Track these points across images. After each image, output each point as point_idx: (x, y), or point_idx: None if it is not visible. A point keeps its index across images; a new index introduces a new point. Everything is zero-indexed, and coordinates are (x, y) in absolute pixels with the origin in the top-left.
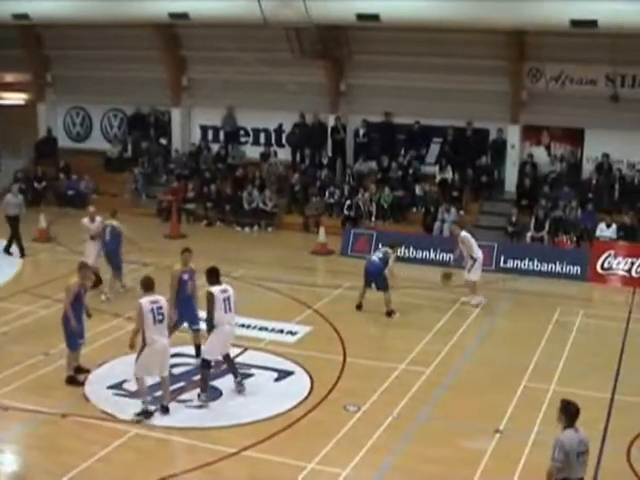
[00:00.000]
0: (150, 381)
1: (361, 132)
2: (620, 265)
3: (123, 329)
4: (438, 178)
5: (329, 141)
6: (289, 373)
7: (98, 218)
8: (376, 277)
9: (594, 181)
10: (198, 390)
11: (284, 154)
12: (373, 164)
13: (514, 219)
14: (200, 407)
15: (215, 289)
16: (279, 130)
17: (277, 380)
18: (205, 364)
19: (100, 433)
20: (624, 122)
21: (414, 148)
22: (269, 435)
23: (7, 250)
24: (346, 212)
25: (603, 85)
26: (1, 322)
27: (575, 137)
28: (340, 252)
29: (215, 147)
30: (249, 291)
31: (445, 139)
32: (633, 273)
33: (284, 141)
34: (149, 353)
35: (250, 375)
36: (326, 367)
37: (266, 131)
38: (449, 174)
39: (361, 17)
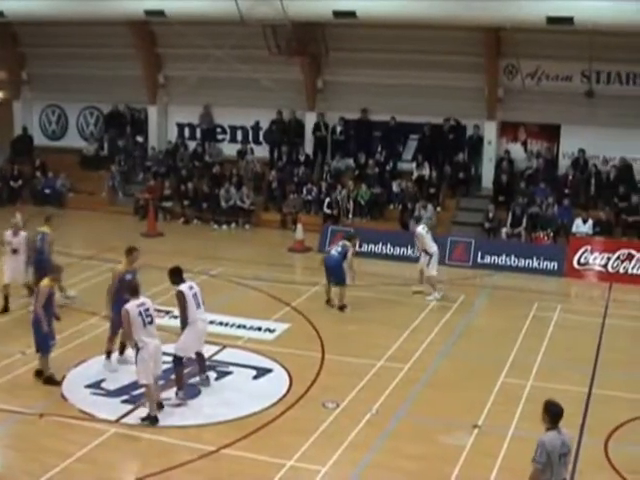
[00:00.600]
0: (125, 381)
1: (338, 129)
2: (596, 260)
3: (100, 327)
4: (415, 175)
5: (308, 138)
6: (268, 371)
7: (22, 233)
8: (334, 271)
9: (570, 177)
10: (175, 388)
11: (261, 151)
12: (350, 161)
13: (491, 215)
14: (178, 405)
15: (183, 287)
16: (256, 127)
17: (256, 378)
18: (178, 362)
19: (78, 433)
20: (600, 118)
21: (391, 145)
22: (248, 433)
23: None
24: (327, 210)
25: (579, 81)
26: None
27: (551, 133)
28: (318, 249)
29: (192, 145)
30: (227, 289)
31: (422, 136)
32: (609, 268)
33: (261, 138)
34: (145, 357)
35: (229, 373)
36: (305, 364)
37: (243, 128)
38: (426, 171)
39: (338, 14)
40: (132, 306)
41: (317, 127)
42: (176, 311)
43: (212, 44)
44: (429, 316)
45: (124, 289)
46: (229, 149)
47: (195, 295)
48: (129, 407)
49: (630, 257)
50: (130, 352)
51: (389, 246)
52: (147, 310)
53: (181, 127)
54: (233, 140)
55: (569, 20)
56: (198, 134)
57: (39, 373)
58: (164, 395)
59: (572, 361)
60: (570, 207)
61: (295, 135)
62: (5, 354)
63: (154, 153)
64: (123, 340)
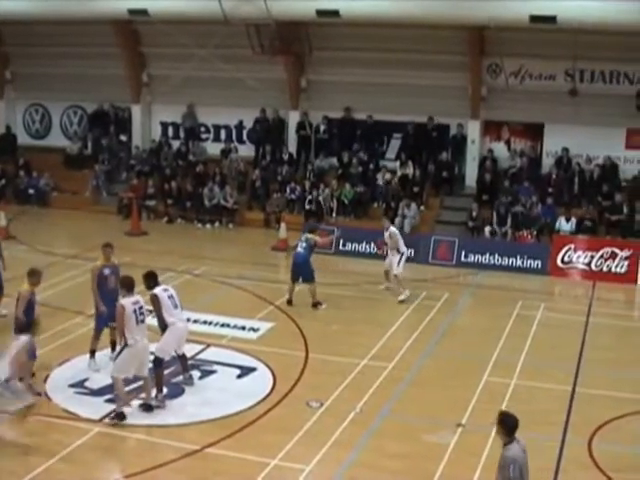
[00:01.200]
0: (109, 380)
1: (322, 128)
2: (580, 259)
3: (85, 326)
4: (399, 173)
5: (292, 137)
6: (252, 370)
7: None
8: (302, 268)
9: (554, 176)
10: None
11: (245, 151)
12: (334, 160)
13: (474, 214)
14: (157, 407)
15: (157, 290)
16: (239, 126)
17: (240, 377)
18: (158, 363)
19: (62, 432)
20: (583, 117)
21: (374, 144)
22: (232, 432)
23: None
24: (307, 206)
25: (562, 80)
26: None
27: (535, 132)
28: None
29: (176, 144)
30: (211, 288)
31: (406, 134)
32: (593, 267)
33: (245, 137)
34: (130, 354)
35: (212, 372)
36: (288, 363)
37: (227, 127)
38: (410, 169)
39: (321, 13)
40: (127, 303)
41: (301, 126)
42: None
43: (196, 43)
44: (413, 315)
45: (104, 284)
46: (213, 148)
47: (171, 297)
48: (113, 406)
49: (613, 256)
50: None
51: (373, 245)
52: (141, 308)
53: (165, 126)
54: (217, 139)
55: (552, 19)
56: (182, 133)
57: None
58: (143, 396)
59: (556, 360)
60: (553, 206)
61: (279, 134)
62: None
63: (138, 152)
64: (113, 338)
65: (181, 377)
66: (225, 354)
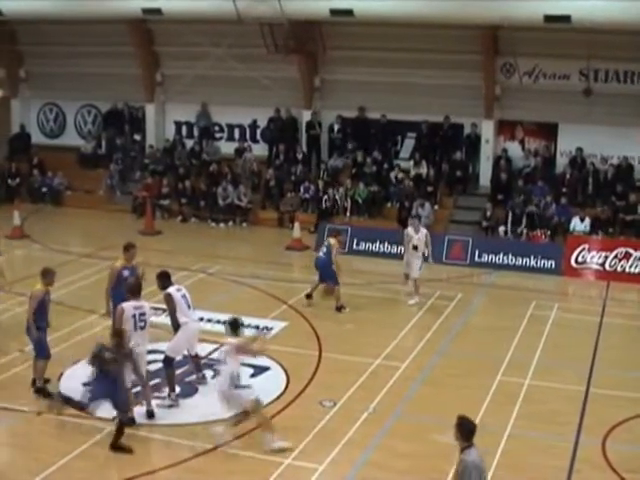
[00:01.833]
0: None
1: (335, 127)
2: (594, 259)
3: (99, 326)
4: (412, 173)
5: (304, 136)
6: (265, 369)
7: None
8: (324, 272)
9: (568, 175)
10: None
11: (259, 150)
12: (348, 159)
13: (488, 214)
14: (171, 406)
15: (171, 289)
16: (253, 126)
17: (253, 376)
18: (168, 362)
19: (76, 431)
20: (597, 117)
21: (388, 143)
22: (246, 431)
23: None
24: (323, 206)
25: (576, 80)
26: None
27: (549, 132)
28: (315, 247)
29: (189, 143)
30: (224, 287)
31: (420, 134)
32: (607, 267)
33: (258, 137)
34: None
35: None
36: (302, 363)
37: (240, 127)
38: (423, 169)
39: (335, 12)
40: (128, 306)
41: (310, 125)
42: None
43: (209, 42)
44: (426, 315)
45: (122, 286)
46: (227, 147)
47: (184, 296)
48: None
49: (627, 256)
50: None
51: (387, 244)
52: (143, 315)
53: (179, 125)
54: (230, 138)
55: (566, 18)
56: (195, 132)
57: (39, 390)
58: (156, 394)
59: (569, 360)
60: (568, 205)
61: (292, 133)
62: (4, 352)
63: (152, 151)
64: None
65: (194, 376)
66: None
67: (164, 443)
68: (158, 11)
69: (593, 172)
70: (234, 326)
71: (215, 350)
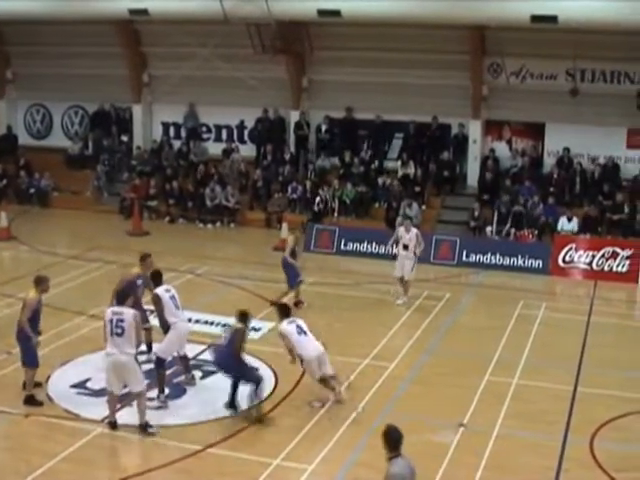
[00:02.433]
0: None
1: (323, 128)
2: (581, 258)
3: (86, 327)
4: (400, 173)
5: (291, 137)
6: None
7: None
8: (284, 272)
9: (555, 175)
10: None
11: (246, 150)
12: (335, 160)
13: (476, 213)
14: (159, 408)
15: (159, 290)
16: (241, 126)
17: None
18: (159, 363)
19: (64, 432)
20: (584, 116)
21: (376, 143)
22: (234, 432)
23: None
24: (316, 208)
25: (563, 80)
26: None
27: (536, 131)
28: (303, 248)
29: (177, 144)
30: (212, 288)
31: (407, 134)
32: (594, 266)
33: (246, 137)
34: (105, 364)
35: (214, 372)
36: (290, 363)
37: (228, 127)
38: (411, 169)
39: (322, 13)
40: (108, 311)
41: (298, 126)
42: None
43: (196, 43)
44: (414, 314)
45: (134, 293)
46: (214, 148)
47: (173, 297)
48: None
49: (615, 255)
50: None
51: (374, 245)
52: (120, 321)
53: (166, 126)
54: (218, 139)
55: (553, 19)
56: (183, 133)
57: (29, 399)
58: (150, 394)
59: (557, 359)
60: (555, 205)
61: (280, 134)
62: None
63: (139, 152)
64: (148, 339)
65: (183, 377)
66: None
67: (153, 444)
68: (145, 12)
69: (580, 172)
70: (244, 318)
71: (203, 351)
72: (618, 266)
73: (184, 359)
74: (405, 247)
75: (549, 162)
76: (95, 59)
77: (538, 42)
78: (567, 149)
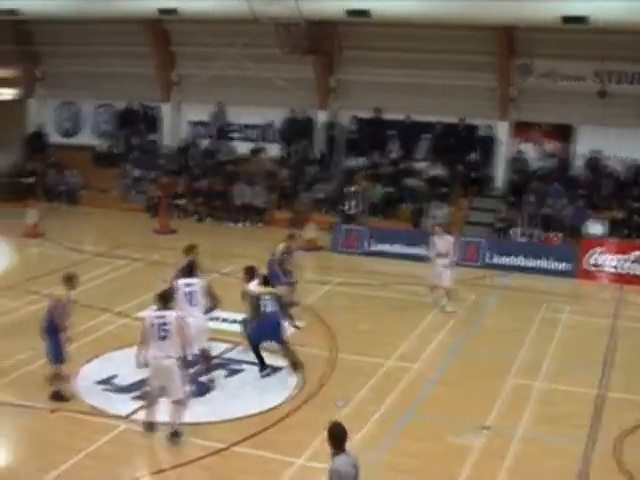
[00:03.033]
0: (137, 377)
1: (351, 128)
2: (608, 262)
3: (112, 324)
4: (429, 174)
5: (320, 137)
6: (279, 369)
7: None
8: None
9: (584, 177)
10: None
11: (274, 150)
12: (363, 160)
13: (503, 215)
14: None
15: (180, 281)
16: (269, 126)
17: (267, 375)
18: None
19: (89, 428)
20: (613, 118)
21: (404, 144)
22: (259, 430)
23: None
24: (346, 209)
25: (591, 81)
26: None
27: (564, 133)
28: (330, 248)
29: (204, 143)
30: (239, 286)
31: (434, 135)
32: (621, 270)
33: (274, 137)
34: (149, 371)
35: (240, 370)
36: (316, 362)
37: (255, 127)
38: (438, 170)
39: (351, 13)
40: (150, 315)
41: (329, 126)
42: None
43: (225, 43)
44: (440, 315)
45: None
46: (242, 147)
47: (189, 293)
48: (140, 403)
49: None
50: None
51: (402, 245)
52: (164, 324)
53: (194, 125)
54: (246, 138)
55: (584, 19)
56: (211, 132)
57: (56, 395)
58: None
59: (582, 362)
60: (583, 208)
61: (307, 134)
62: (16, 350)
63: (167, 151)
64: None
65: (207, 376)
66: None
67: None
68: (174, 11)
69: (609, 174)
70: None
71: (229, 350)
72: None
73: (206, 359)
74: (440, 255)
75: (577, 164)
76: (124, 58)
77: (566, 43)
78: (596, 151)
